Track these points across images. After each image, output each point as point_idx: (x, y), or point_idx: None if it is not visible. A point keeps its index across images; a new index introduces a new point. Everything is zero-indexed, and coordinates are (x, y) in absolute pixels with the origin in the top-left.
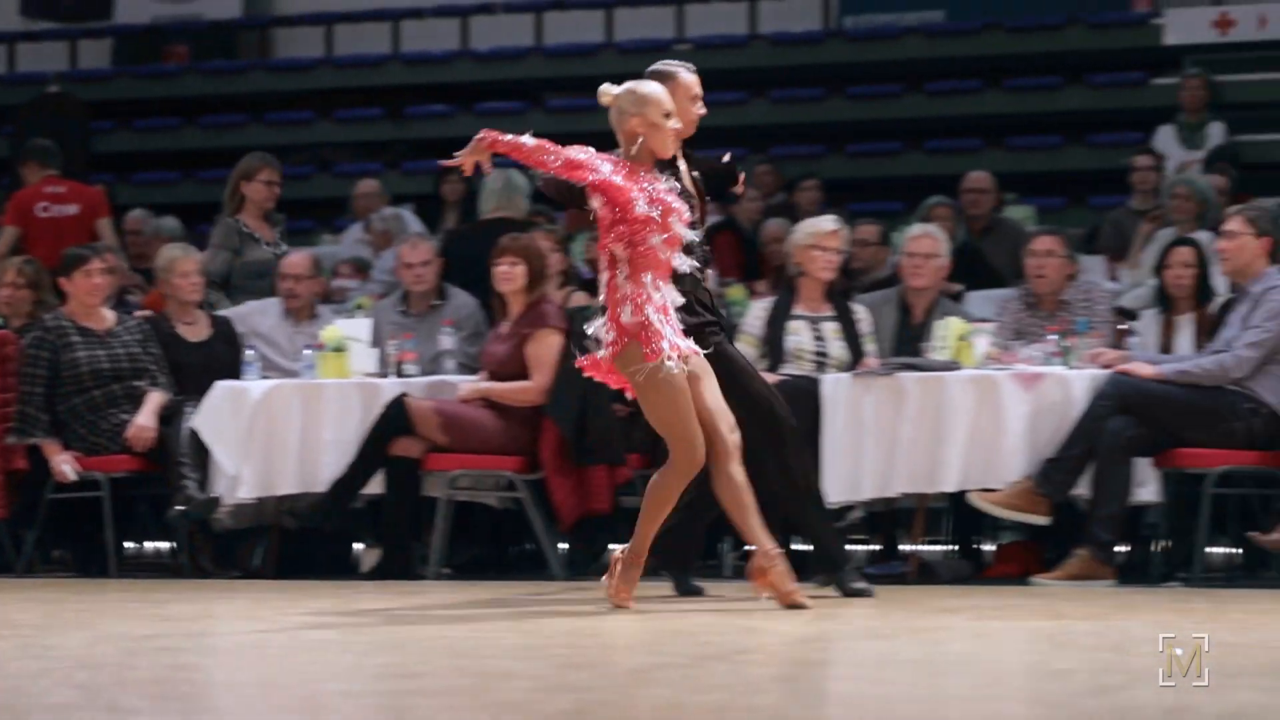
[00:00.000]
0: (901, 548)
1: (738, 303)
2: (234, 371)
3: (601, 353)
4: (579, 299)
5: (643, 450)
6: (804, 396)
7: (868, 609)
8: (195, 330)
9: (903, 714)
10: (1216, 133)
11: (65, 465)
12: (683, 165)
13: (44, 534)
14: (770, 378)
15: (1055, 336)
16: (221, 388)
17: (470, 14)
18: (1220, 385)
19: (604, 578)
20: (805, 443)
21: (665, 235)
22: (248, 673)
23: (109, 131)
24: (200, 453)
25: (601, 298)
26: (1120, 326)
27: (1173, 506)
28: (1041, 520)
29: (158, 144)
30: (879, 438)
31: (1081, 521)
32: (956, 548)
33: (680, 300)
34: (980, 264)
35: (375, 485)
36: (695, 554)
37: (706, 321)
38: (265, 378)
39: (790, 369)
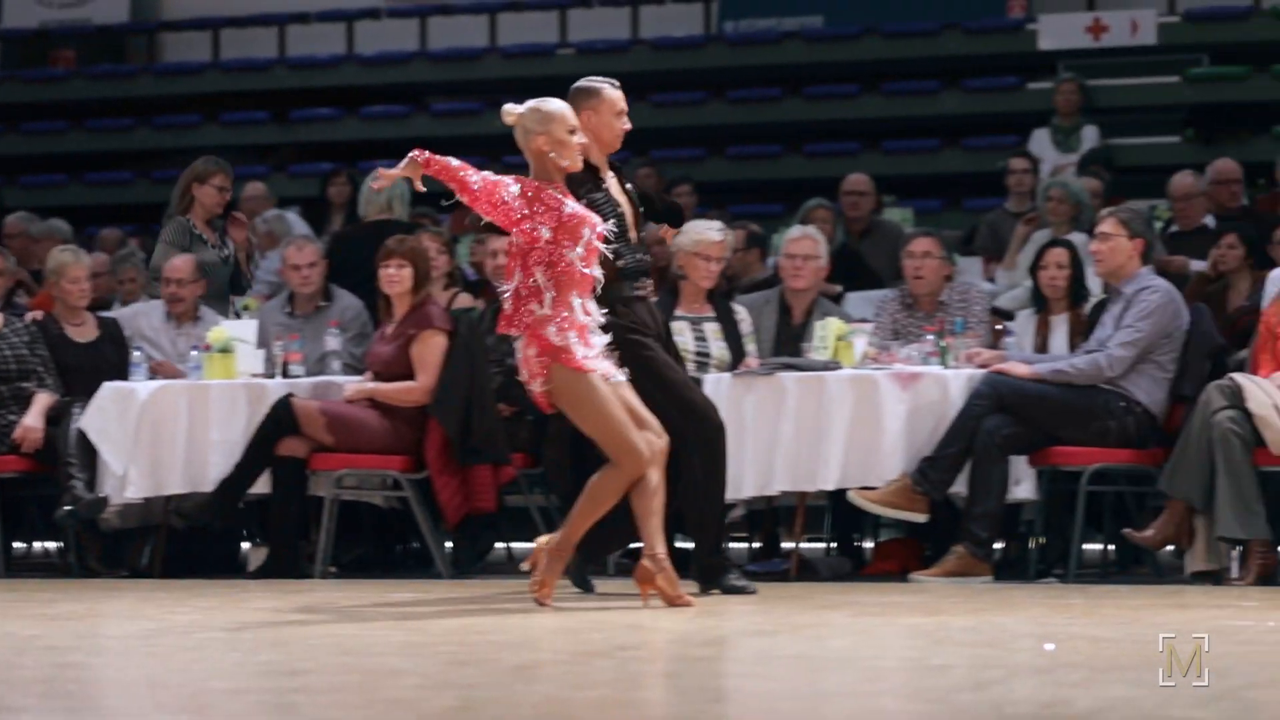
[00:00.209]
0: (782, 545)
1: None
2: (121, 373)
3: (535, 386)
4: (464, 300)
5: (527, 450)
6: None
7: (750, 606)
8: (83, 331)
9: (785, 709)
10: (1090, 136)
11: None
12: (611, 178)
13: None
14: None
15: (933, 336)
16: (109, 388)
17: (355, 19)
18: (1095, 384)
19: (525, 566)
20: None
21: (580, 249)
22: (134, 671)
23: None
24: (88, 453)
25: (516, 322)
26: (996, 327)
27: (1048, 504)
28: (919, 518)
29: (45, 147)
30: (759, 437)
31: (959, 519)
32: (836, 545)
33: (601, 320)
34: (859, 265)
35: (262, 485)
36: (613, 550)
37: (630, 328)
38: (152, 379)
39: None
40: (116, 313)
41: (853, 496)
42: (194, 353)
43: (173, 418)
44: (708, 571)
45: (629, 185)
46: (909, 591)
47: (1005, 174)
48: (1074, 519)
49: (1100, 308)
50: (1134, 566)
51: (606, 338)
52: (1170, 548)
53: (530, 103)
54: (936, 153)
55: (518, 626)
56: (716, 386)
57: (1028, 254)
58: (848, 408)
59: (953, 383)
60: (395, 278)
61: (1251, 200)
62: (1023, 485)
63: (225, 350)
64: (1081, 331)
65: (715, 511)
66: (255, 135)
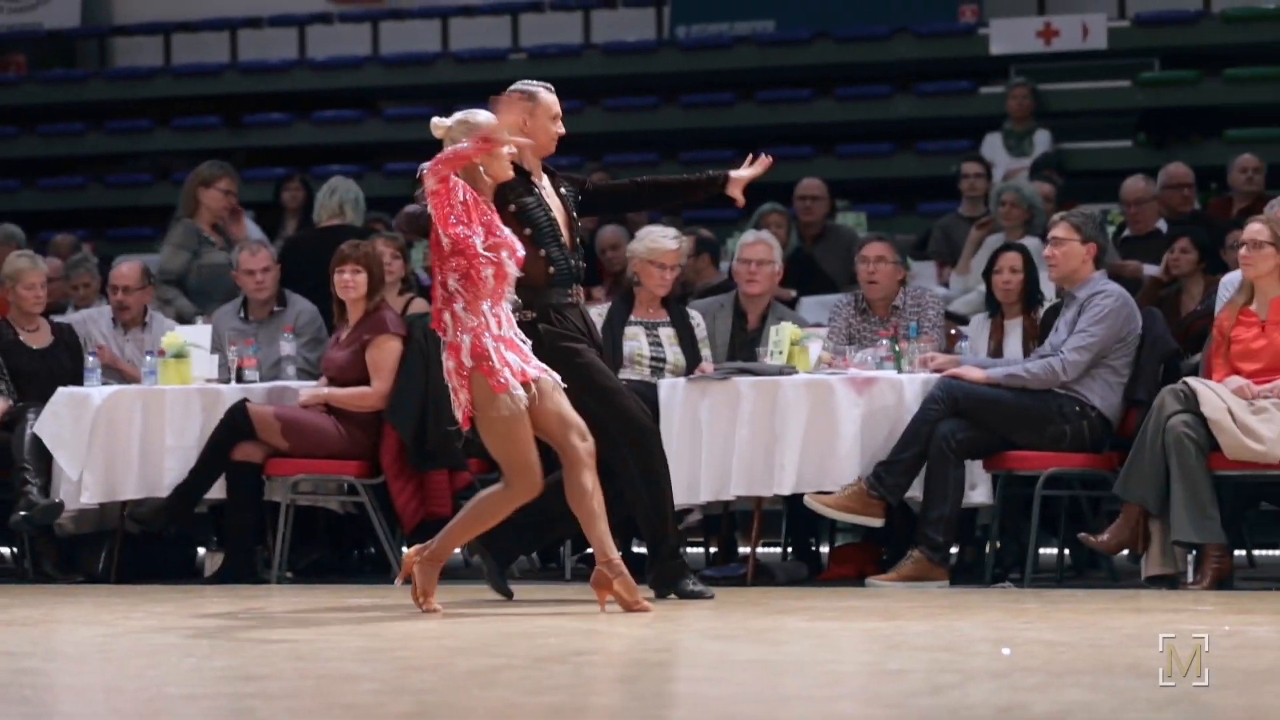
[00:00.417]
0: (739, 550)
1: None
2: (76, 378)
3: (462, 396)
4: (418, 305)
5: (483, 455)
6: (641, 401)
7: (706, 611)
8: (37, 337)
9: (742, 714)
10: (1042, 140)
11: None
12: (546, 182)
13: None
14: None
15: (887, 341)
16: (63, 394)
17: (307, 24)
18: (1049, 389)
19: (398, 581)
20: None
21: (495, 269)
22: (90, 676)
23: None
24: (42, 458)
25: (442, 331)
26: (950, 331)
27: (1004, 509)
28: (875, 522)
29: None
30: (715, 441)
31: (915, 524)
32: (793, 550)
33: (515, 325)
34: (813, 270)
35: (217, 490)
36: (519, 554)
37: (563, 335)
38: (105, 384)
39: (627, 374)
40: (66, 318)
41: (809, 501)
42: (148, 358)
43: (127, 423)
44: (663, 577)
45: (563, 189)
46: (866, 596)
47: (958, 178)
48: (1029, 523)
49: (1054, 312)
50: (1090, 571)
51: (529, 342)
52: (1126, 552)
53: (458, 115)
54: (889, 157)
55: (473, 632)
56: (672, 391)
57: (981, 258)
58: (803, 412)
59: (907, 387)
60: (350, 283)
61: (1204, 204)
62: (978, 490)
63: (180, 355)
64: (1035, 336)
65: (661, 515)
66: (207, 140)
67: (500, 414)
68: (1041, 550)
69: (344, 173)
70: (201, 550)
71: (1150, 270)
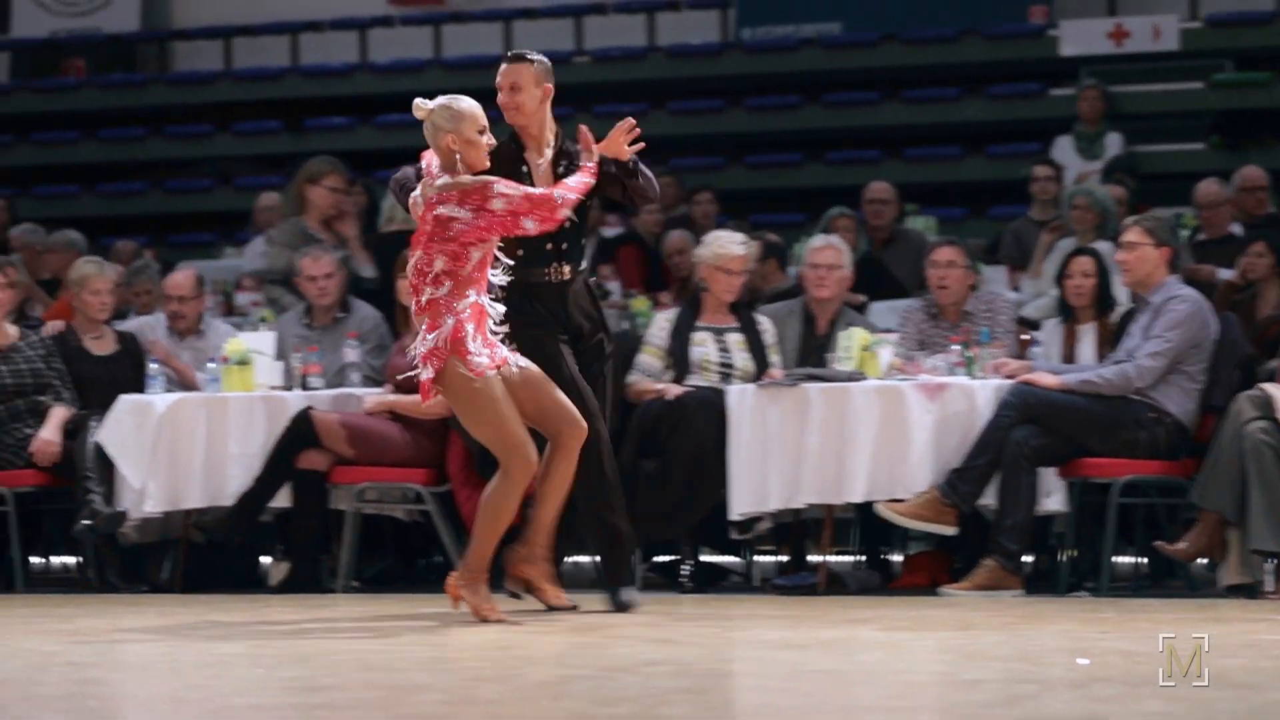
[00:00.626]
0: (810, 558)
1: (643, 314)
2: (139, 386)
3: (424, 373)
4: None
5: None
6: (709, 408)
7: (778, 621)
8: (102, 344)
9: None
10: (1114, 143)
11: None
12: (543, 160)
13: None
14: (675, 389)
15: (959, 347)
16: (126, 401)
17: (368, 27)
18: (1124, 395)
19: (458, 605)
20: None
21: (479, 255)
22: (156, 687)
23: (7, 145)
24: (105, 467)
25: (418, 314)
26: (1022, 336)
27: (1079, 516)
28: (948, 530)
29: (56, 158)
30: (785, 449)
31: (988, 532)
32: (865, 558)
33: (501, 309)
34: (883, 275)
35: (282, 499)
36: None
37: (530, 322)
38: (168, 391)
39: (695, 380)
40: (123, 325)
41: (880, 509)
42: (211, 365)
43: (191, 431)
44: (602, 580)
45: (562, 168)
46: (938, 605)
47: (1029, 181)
48: (1104, 531)
49: (1128, 317)
50: (1167, 580)
51: (504, 329)
52: (1203, 561)
53: (441, 99)
54: (959, 160)
55: (542, 641)
56: (741, 398)
57: (1053, 262)
58: (874, 419)
59: (980, 393)
60: None
61: (1278, 207)
62: (1053, 497)
63: (243, 362)
64: (1109, 341)
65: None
66: (268, 145)
67: (473, 393)
68: (1117, 559)
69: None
70: (266, 559)
71: (1225, 275)
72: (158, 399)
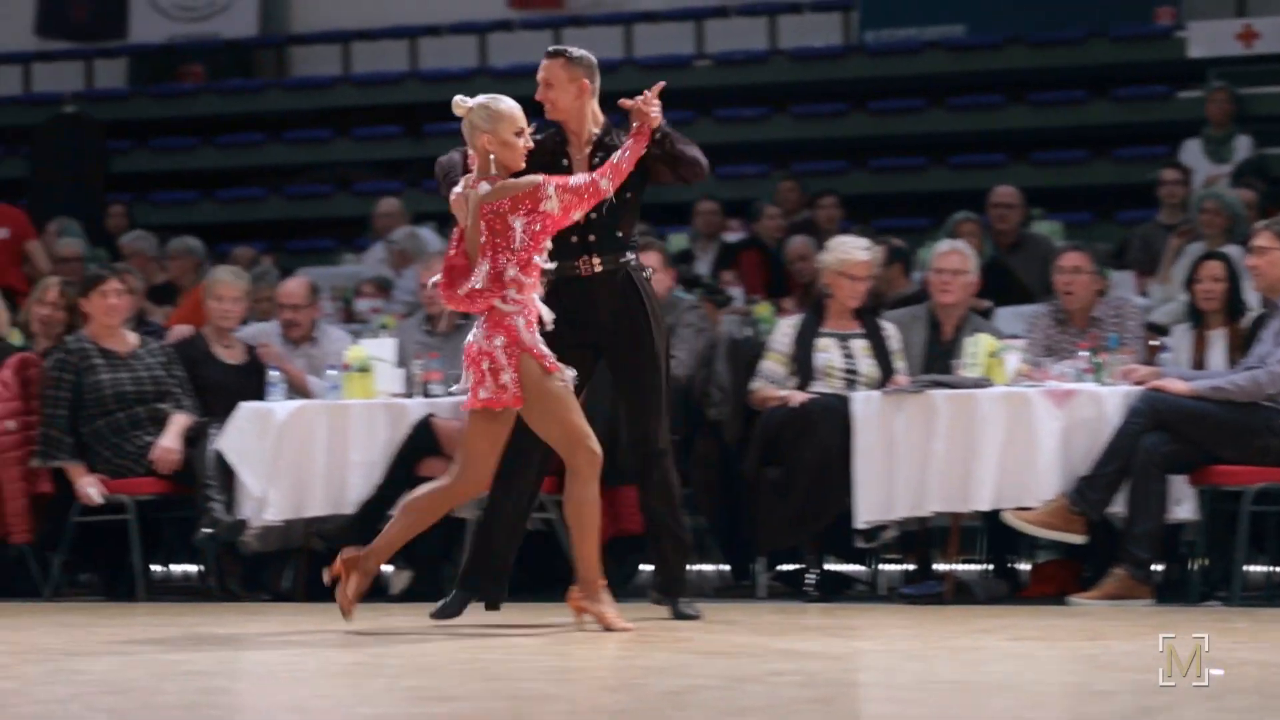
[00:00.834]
0: (936, 567)
1: (765, 320)
2: (259, 394)
3: (505, 377)
4: None
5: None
6: (834, 415)
7: (905, 630)
8: (233, 353)
9: None
10: (1243, 146)
11: (90, 488)
12: (582, 156)
13: (70, 558)
14: (800, 395)
15: (1086, 353)
16: (246, 409)
17: (488, 31)
18: (1255, 401)
19: (581, 618)
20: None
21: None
22: (278, 697)
23: (125, 151)
24: (226, 475)
25: (481, 319)
26: (1152, 342)
27: (1210, 524)
28: (1077, 539)
29: (175, 164)
30: (911, 456)
31: (1118, 540)
32: (992, 567)
33: (550, 314)
34: (1009, 280)
35: None
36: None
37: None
38: (290, 399)
39: (820, 387)
40: (239, 334)
41: (1008, 517)
42: (330, 372)
43: (311, 438)
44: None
45: (598, 160)
46: (1068, 614)
47: (1157, 185)
48: (1236, 540)
49: (1259, 322)
50: None
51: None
52: None
53: (482, 98)
54: (1085, 164)
55: (667, 651)
56: (866, 404)
57: (1182, 267)
58: (1001, 426)
59: (1108, 400)
60: None
61: None
62: (1183, 505)
63: (364, 370)
64: (1239, 346)
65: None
66: (387, 150)
67: (552, 391)
68: (1249, 568)
69: None
70: (388, 568)
71: None
72: (278, 406)
